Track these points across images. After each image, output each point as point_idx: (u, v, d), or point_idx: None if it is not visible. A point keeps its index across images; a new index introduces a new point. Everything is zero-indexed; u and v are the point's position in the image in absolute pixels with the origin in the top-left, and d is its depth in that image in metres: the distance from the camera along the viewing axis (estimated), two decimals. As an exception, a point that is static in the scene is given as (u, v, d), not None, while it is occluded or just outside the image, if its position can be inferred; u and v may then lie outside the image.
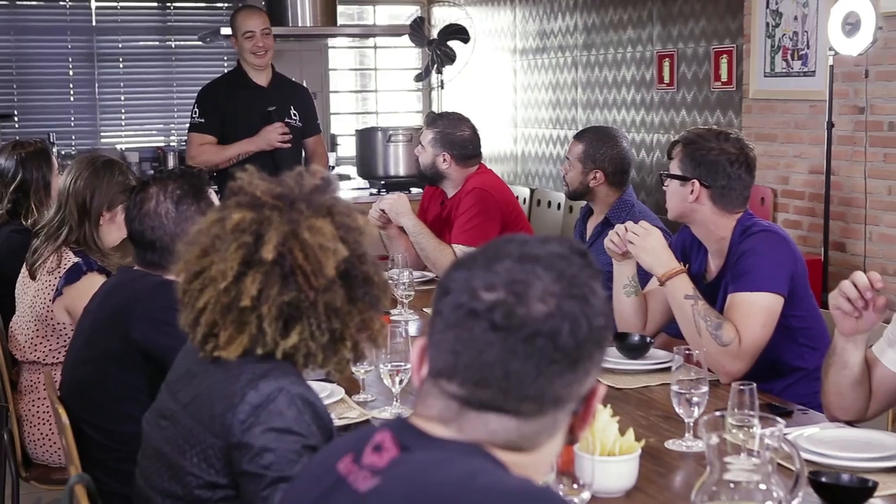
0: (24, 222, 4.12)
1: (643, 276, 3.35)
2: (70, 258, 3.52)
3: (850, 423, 2.62)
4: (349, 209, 1.99)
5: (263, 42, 5.62)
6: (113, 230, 3.58)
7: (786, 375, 3.12)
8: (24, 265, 3.64)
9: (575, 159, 4.19)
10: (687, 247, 3.35)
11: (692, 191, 3.14)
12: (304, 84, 6.27)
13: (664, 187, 3.23)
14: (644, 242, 3.17)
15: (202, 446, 1.90)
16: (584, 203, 4.35)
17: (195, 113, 5.68)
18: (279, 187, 1.95)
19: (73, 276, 3.48)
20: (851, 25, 4.56)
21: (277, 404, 1.86)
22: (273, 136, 5.55)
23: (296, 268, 1.88)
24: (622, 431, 2.23)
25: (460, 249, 4.31)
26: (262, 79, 5.72)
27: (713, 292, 3.17)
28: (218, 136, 5.63)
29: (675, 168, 3.19)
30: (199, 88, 5.81)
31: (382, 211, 4.47)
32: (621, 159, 4.18)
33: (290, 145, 5.59)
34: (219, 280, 1.89)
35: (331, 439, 1.92)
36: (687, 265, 3.15)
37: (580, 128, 7.27)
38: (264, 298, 1.88)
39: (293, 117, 5.72)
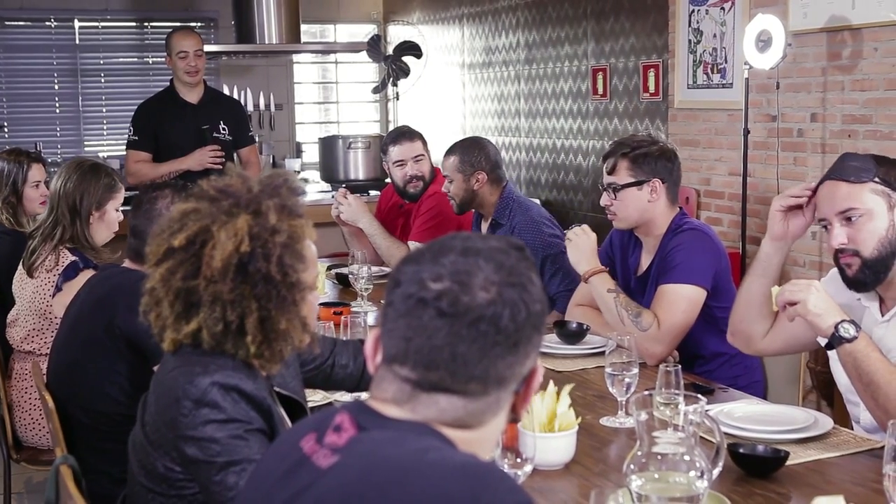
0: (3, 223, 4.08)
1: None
2: (67, 257, 3.49)
3: (758, 400, 2.64)
4: (290, 213, 1.86)
5: (196, 62, 5.45)
6: (102, 228, 3.55)
7: (709, 360, 3.14)
8: (21, 264, 3.60)
9: (453, 172, 4.09)
10: (615, 249, 3.37)
11: (652, 190, 3.12)
12: (272, 97, 6.18)
13: (615, 201, 3.15)
14: (578, 241, 3.19)
15: (158, 435, 1.87)
16: (473, 211, 4.26)
17: (130, 131, 5.50)
18: (227, 183, 1.87)
19: (70, 273, 3.46)
20: (764, 42, 4.60)
21: (213, 397, 1.81)
22: (205, 157, 5.38)
23: (200, 257, 1.82)
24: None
25: (414, 246, 4.29)
26: (192, 96, 5.54)
27: (643, 284, 3.19)
28: (153, 153, 5.45)
29: (625, 178, 3.12)
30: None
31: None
32: (494, 158, 4.13)
33: (222, 167, 5.26)
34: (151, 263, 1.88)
35: (271, 417, 1.89)
36: (607, 268, 3.19)
37: (523, 134, 7.30)
38: (169, 282, 1.84)
39: (222, 132, 5.52)
